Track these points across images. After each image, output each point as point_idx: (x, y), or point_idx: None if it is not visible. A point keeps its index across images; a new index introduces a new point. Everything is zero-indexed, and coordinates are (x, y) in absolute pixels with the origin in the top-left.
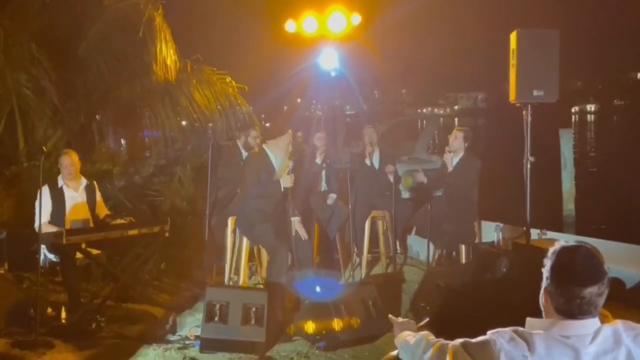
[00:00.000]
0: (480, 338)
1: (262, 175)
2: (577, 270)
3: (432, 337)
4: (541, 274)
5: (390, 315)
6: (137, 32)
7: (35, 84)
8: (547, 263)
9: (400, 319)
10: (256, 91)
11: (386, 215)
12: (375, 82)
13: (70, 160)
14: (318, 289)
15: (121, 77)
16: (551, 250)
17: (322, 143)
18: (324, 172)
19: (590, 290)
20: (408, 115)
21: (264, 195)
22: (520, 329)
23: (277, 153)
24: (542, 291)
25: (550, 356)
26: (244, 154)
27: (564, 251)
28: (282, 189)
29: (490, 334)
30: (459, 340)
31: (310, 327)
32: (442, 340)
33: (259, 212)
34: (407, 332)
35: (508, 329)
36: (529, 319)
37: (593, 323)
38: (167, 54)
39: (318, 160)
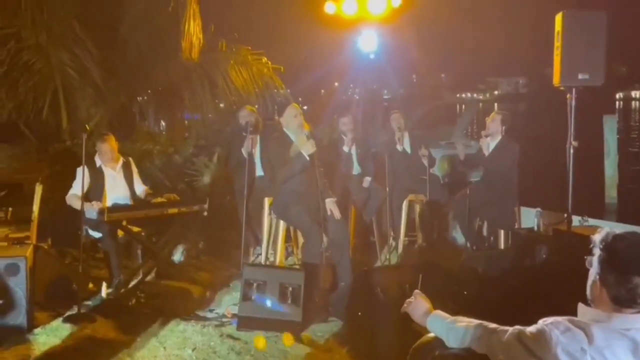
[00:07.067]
0: (535, 329)
1: (287, 156)
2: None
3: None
4: (583, 261)
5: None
6: (175, 11)
7: (78, 63)
8: (601, 252)
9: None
10: (294, 73)
11: (424, 199)
12: (414, 66)
13: (109, 147)
14: None
15: (159, 57)
16: (599, 238)
17: (346, 128)
18: (354, 156)
19: None
20: (446, 100)
21: (294, 174)
22: (576, 318)
23: (293, 130)
24: (593, 281)
25: (610, 347)
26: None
27: (620, 239)
28: (308, 158)
29: (545, 325)
30: (515, 330)
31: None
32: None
33: (293, 193)
34: (444, 314)
35: (562, 319)
36: (582, 306)
37: None
38: (194, 32)
39: (345, 148)
